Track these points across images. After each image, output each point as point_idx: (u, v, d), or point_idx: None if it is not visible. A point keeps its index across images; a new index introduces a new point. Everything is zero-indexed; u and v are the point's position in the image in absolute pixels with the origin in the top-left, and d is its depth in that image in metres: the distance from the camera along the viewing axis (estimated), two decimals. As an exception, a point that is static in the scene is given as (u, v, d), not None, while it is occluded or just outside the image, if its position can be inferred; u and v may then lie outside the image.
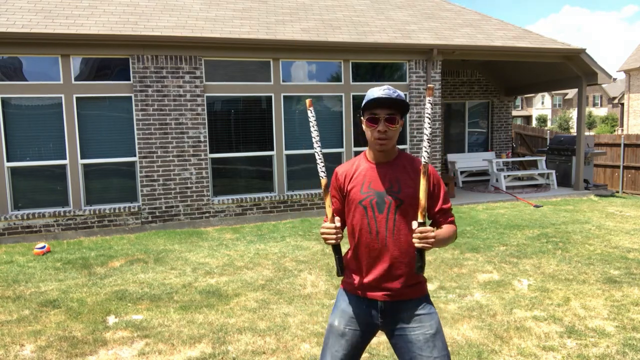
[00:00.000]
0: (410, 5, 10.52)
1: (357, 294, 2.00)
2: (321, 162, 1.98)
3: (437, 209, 2.01)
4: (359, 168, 2.03)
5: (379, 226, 1.93)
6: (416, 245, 1.81)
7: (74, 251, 6.37)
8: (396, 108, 1.91)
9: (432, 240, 1.80)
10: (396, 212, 1.92)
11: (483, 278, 4.94)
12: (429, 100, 1.84)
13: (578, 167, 10.74)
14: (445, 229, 1.99)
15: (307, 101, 1.98)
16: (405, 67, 9.06)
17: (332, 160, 8.67)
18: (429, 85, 1.84)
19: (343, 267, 1.99)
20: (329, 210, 1.93)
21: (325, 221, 1.93)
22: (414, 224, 1.83)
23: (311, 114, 1.98)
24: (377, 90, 1.91)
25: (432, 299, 2.09)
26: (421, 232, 1.79)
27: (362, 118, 1.98)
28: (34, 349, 3.51)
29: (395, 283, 1.94)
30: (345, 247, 2.08)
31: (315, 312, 4.13)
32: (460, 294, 4.49)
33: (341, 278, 2.10)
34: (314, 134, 1.99)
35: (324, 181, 1.97)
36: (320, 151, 2.00)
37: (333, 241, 1.88)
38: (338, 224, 1.89)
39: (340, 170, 2.08)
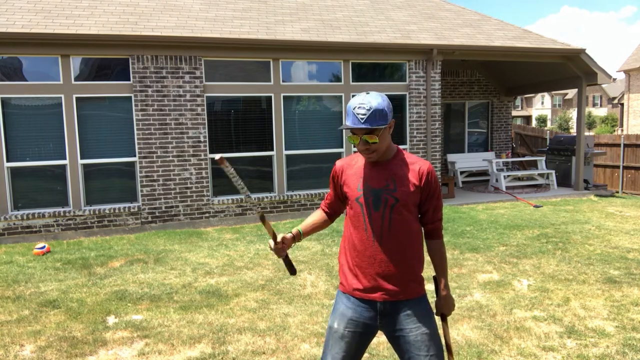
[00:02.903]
0: (410, 5, 10.52)
1: (356, 295, 2.00)
2: (247, 195, 1.96)
3: (429, 210, 2.02)
4: (356, 164, 2.06)
5: (374, 224, 1.94)
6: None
7: (73, 251, 6.37)
8: (375, 122, 1.86)
9: (454, 302, 2.15)
10: (392, 210, 1.93)
11: (483, 278, 4.95)
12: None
13: (578, 167, 10.74)
14: (442, 263, 2.09)
15: (218, 159, 1.78)
16: (405, 67, 9.06)
17: (332, 160, 8.67)
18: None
19: (292, 267, 2.19)
20: (270, 234, 2.07)
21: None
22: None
23: (227, 169, 1.84)
24: (353, 108, 1.87)
25: (430, 300, 2.10)
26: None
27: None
28: (33, 349, 3.50)
29: (392, 283, 1.94)
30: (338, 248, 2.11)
31: (315, 312, 4.13)
32: (460, 294, 4.49)
33: (339, 279, 2.11)
34: (239, 187, 1.93)
35: (259, 214, 2.00)
36: (247, 194, 1.97)
37: (282, 254, 2.10)
38: (278, 239, 2.07)
39: (338, 163, 2.13)
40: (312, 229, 2.20)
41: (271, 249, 2.06)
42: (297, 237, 2.14)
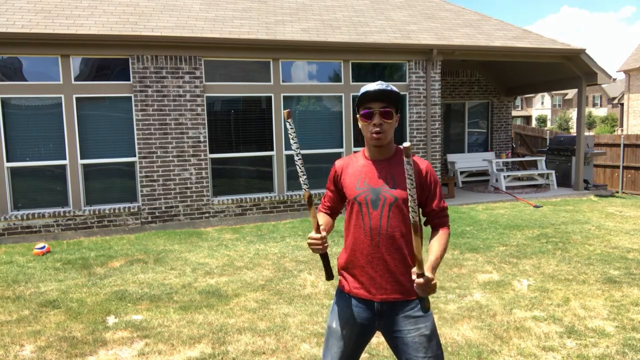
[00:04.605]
0: (410, 6, 10.52)
1: (354, 294, 1.99)
2: (303, 174, 1.93)
3: (432, 208, 2.00)
4: (355, 163, 2.05)
5: (372, 223, 1.93)
6: (419, 294, 1.78)
7: (73, 251, 6.37)
8: (390, 101, 1.92)
9: (434, 287, 1.76)
10: (390, 209, 1.92)
11: (483, 278, 4.95)
12: (408, 161, 1.61)
13: (578, 167, 10.74)
14: (438, 246, 1.91)
15: (285, 112, 1.85)
16: (405, 68, 9.06)
17: (332, 161, 8.67)
18: (405, 145, 1.58)
19: (331, 271, 2.04)
20: (313, 221, 1.92)
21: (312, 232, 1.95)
22: (413, 275, 1.75)
23: (290, 126, 1.88)
24: (370, 85, 1.92)
25: (430, 299, 2.09)
26: (421, 285, 1.74)
27: (357, 115, 1.99)
28: (33, 349, 3.50)
29: (390, 282, 1.93)
30: (338, 248, 2.11)
31: (315, 312, 4.13)
32: (460, 294, 4.49)
33: (339, 279, 2.11)
34: (294, 146, 1.90)
35: (307, 194, 1.92)
36: (302, 164, 1.93)
37: (320, 250, 1.90)
38: (323, 233, 1.91)
39: (337, 163, 2.12)
40: (326, 230, 2.05)
41: (311, 241, 1.88)
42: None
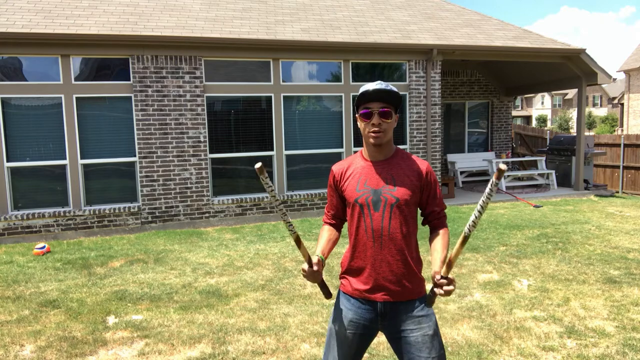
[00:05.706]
0: (410, 5, 10.52)
1: (356, 295, 1.99)
2: (287, 222, 1.85)
3: (433, 209, 2.02)
4: (354, 166, 2.03)
5: (374, 224, 1.92)
6: (437, 293, 1.80)
7: (73, 251, 6.37)
8: (389, 101, 1.91)
9: (453, 289, 1.79)
10: (392, 210, 1.92)
11: (483, 278, 4.95)
12: (496, 183, 1.50)
13: (578, 167, 10.74)
14: (443, 245, 1.95)
15: (257, 168, 1.64)
16: (405, 67, 9.06)
17: (332, 161, 8.67)
18: (500, 167, 1.47)
19: (329, 291, 2.07)
20: (305, 257, 1.93)
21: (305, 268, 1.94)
22: (437, 277, 1.78)
23: (264, 182, 1.69)
24: (369, 85, 1.92)
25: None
26: (445, 287, 1.77)
27: (357, 115, 1.98)
28: (33, 349, 3.50)
29: (393, 283, 1.93)
30: (342, 248, 2.11)
31: (315, 312, 4.13)
32: (460, 294, 4.49)
33: (339, 279, 2.11)
34: (273, 199, 1.75)
35: (294, 236, 1.88)
36: (285, 213, 1.83)
37: (312, 280, 1.94)
38: (315, 267, 1.90)
39: (335, 168, 2.09)
40: (329, 250, 2.08)
41: (304, 273, 1.91)
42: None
